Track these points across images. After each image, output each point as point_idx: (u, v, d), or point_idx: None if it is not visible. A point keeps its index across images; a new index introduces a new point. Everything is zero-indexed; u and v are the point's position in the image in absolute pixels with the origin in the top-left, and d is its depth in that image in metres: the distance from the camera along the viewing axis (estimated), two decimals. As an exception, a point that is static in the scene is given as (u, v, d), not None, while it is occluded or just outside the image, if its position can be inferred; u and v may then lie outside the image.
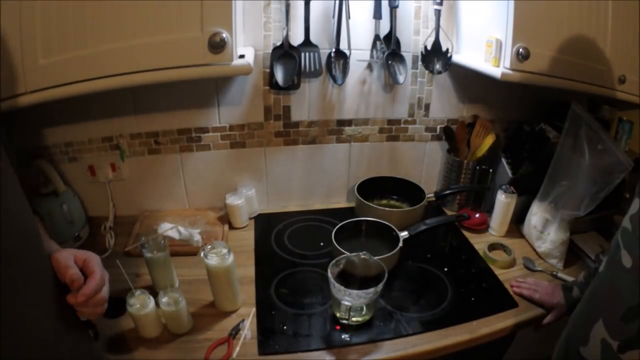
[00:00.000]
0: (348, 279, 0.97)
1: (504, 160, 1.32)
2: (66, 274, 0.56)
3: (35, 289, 0.53)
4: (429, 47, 1.19)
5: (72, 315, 0.61)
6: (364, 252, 0.97)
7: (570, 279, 1.10)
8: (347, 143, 1.35)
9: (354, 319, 0.93)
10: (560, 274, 1.12)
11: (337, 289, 0.89)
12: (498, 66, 1.03)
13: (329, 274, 0.91)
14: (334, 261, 0.95)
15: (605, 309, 0.67)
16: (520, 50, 0.98)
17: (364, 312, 0.94)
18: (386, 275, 0.91)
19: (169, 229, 1.05)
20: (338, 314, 0.94)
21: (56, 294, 0.57)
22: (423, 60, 1.21)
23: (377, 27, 1.17)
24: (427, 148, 1.43)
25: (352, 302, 0.88)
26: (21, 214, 0.52)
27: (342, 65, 1.17)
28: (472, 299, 1.05)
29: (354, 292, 0.88)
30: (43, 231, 0.66)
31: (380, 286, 0.89)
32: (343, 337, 0.91)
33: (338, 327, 0.93)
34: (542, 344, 1.17)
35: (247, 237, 1.25)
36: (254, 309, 0.98)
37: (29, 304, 0.51)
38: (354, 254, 0.98)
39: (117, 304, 0.92)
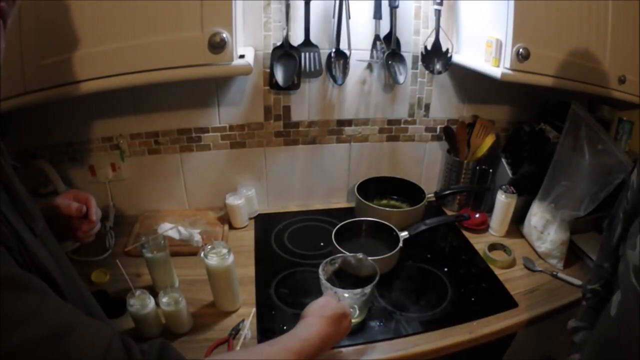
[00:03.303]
0: (344, 277, 0.97)
1: (504, 160, 1.32)
2: (72, 208, 0.74)
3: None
4: (429, 47, 1.19)
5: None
6: (361, 254, 0.97)
7: (570, 279, 1.10)
8: (347, 143, 1.35)
9: None
10: (560, 274, 1.12)
11: (325, 287, 0.89)
12: (498, 66, 1.03)
13: (320, 272, 0.90)
14: (327, 259, 0.94)
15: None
16: (520, 50, 0.98)
17: (355, 315, 0.93)
18: (377, 277, 0.90)
19: (169, 229, 1.05)
20: None
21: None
22: (423, 61, 1.21)
23: (377, 27, 1.17)
24: (427, 148, 1.43)
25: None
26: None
27: (342, 65, 1.17)
28: (472, 299, 1.05)
29: (340, 290, 0.87)
30: None
31: (368, 288, 0.88)
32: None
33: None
34: (542, 344, 1.17)
35: (247, 237, 1.25)
36: (254, 309, 0.98)
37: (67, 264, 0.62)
38: (350, 254, 0.98)
39: (117, 304, 0.92)
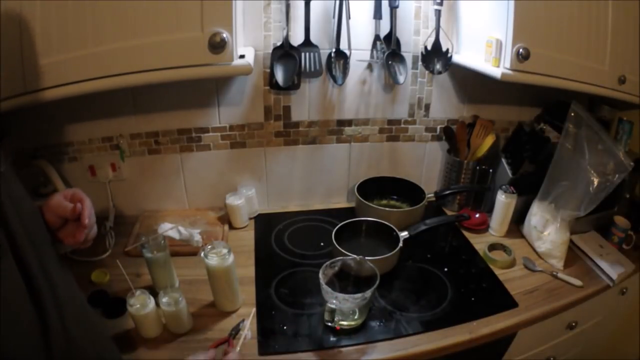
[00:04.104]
0: (344, 278, 0.97)
1: (504, 160, 1.32)
2: (66, 208, 0.67)
3: (53, 264, 0.60)
4: (429, 47, 1.19)
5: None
6: (360, 256, 0.97)
7: (570, 279, 1.10)
8: (347, 143, 1.35)
9: (343, 322, 0.92)
10: (560, 274, 1.12)
11: (325, 291, 0.89)
12: (498, 66, 1.03)
13: (320, 276, 0.90)
14: (327, 263, 0.95)
15: None
16: (521, 50, 0.98)
17: (355, 317, 0.93)
18: (377, 281, 0.91)
19: (169, 229, 1.05)
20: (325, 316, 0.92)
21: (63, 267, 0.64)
22: (423, 61, 1.21)
23: (377, 27, 1.17)
24: (427, 148, 1.43)
25: (338, 305, 0.87)
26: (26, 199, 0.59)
27: (342, 65, 1.17)
28: (472, 299, 1.05)
29: (340, 295, 0.87)
30: None
31: (369, 292, 0.88)
32: (344, 337, 0.91)
33: (338, 328, 0.93)
34: (542, 344, 1.17)
35: (247, 237, 1.25)
36: (254, 309, 0.98)
37: (57, 275, 0.58)
38: (349, 256, 0.98)
39: (117, 304, 0.92)
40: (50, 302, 0.53)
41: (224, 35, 0.84)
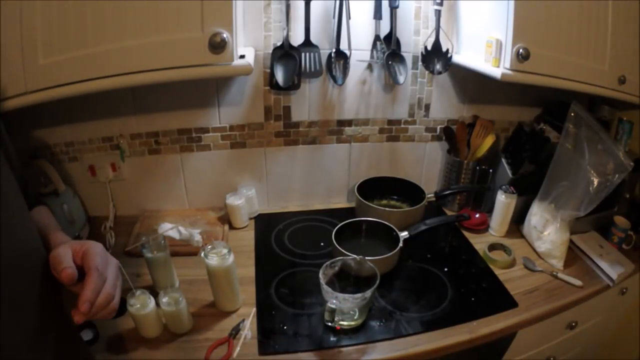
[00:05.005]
0: (345, 278, 0.97)
1: (504, 161, 1.33)
2: (59, 264, 0.52)
3: (21, 290, 0.51)
4: (429, 48, 1.19)
5: (59, 314, 0.60)
6: (360, 256, 0.97)
7: (570, 279, 1.10)
8: (347, 143, 1.35)
9: (343, 322, 0.92)
10: (560, 275, 1.12)
11: (325, 291, 0.89)
12: (498, 66, 1.03)
13: (320, 276, 0.91)
14: (327, 263, 0.95)
15: None
16: (521, 50, 0.98)
17: (355, 317, 0.93)
18: (377, 281, 0.91)
19: (169, 229, 1.05)
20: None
21: (45, 292, 0.55)
22: (423, 61, 1.21)
23: (377, 27, 1.17)
24: (427, 148, 1.43)
25: (338, 305, 0.88)
26: (13, 215, 0.51)
27: (342, 65, 1.17)
28: (472, 299, 1.05)
29: (341, 295, 0.87)
30: (53, 222, 0.68)
31: (369, 292, 0.88)
32: (344, 337, 0.91)
33: (338, 328, 0.93)
34: (542, 344, 1.17)
35: (248, 237, 1.25)
36: (254, 309, 0.98)
37: (15, 304, 0.49)
38: (350, 256, 0.98)
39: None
40: None
41: (224, 35, 0.84)
